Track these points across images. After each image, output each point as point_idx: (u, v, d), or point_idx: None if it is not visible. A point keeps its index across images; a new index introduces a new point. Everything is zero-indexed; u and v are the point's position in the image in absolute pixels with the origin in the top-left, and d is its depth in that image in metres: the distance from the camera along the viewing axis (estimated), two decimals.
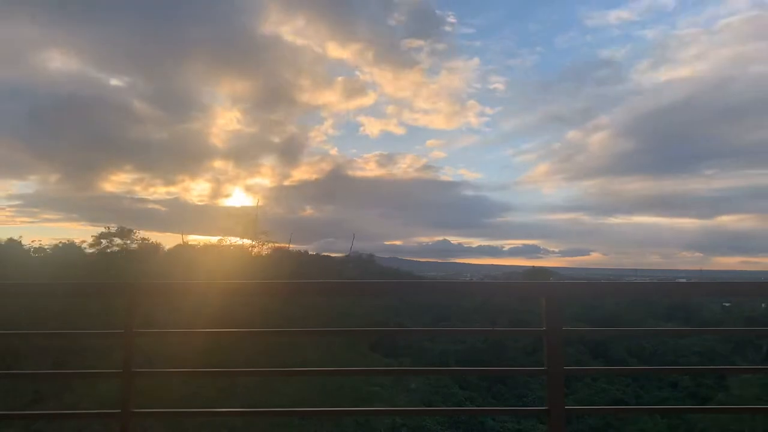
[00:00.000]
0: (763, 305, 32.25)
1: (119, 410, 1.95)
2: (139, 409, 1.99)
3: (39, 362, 9.06)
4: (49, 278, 14.27)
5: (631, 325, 28.31)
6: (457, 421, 14.70)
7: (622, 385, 22.15)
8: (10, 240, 22.96)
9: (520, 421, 16.56)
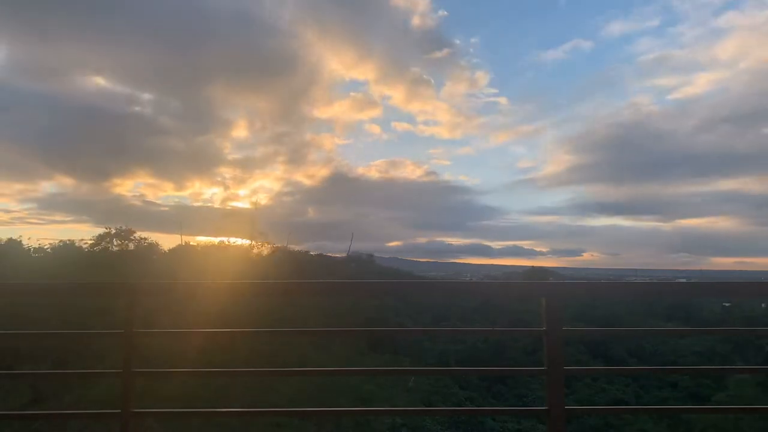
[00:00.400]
0: (763, 305, 32.23)
1: (119, 410, 1.95)
2: (139, 409, 1.99)
3: (39, 362, 9.06)
4: (49, 278, 14.27)
5: (631, 325, 28.31)
6: (457, 421, 14.69)
7: (622, 385, 22.15)
8: (10, 240, 22.95)
9: (520, 421, 16.55)
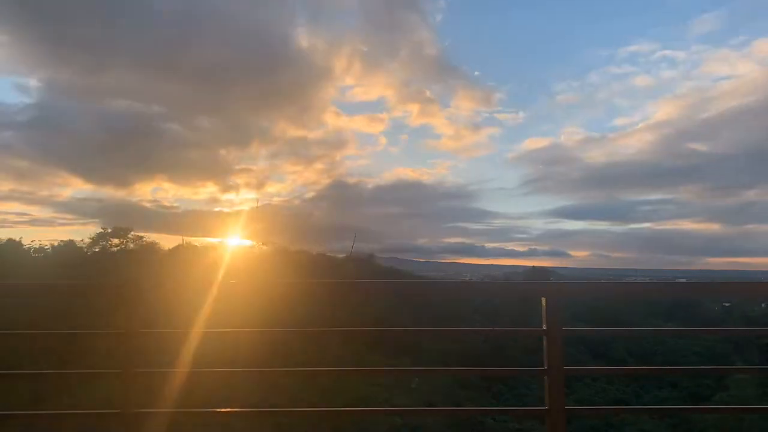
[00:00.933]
0: (763, 305, 32.23)
1: (119, 410, 1.95)
2: (139, 409, 1.99)
3: (39, 362, 9.06)
4: (49, 278, 14.28)
5: (631, 325, 28.29)
6: (457, 421, 14.68)
7: (622, 385, 22.13)
8: (10, 240, 22.96)
9: (520, 421, 16.54)
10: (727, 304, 36.07)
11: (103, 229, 24.19)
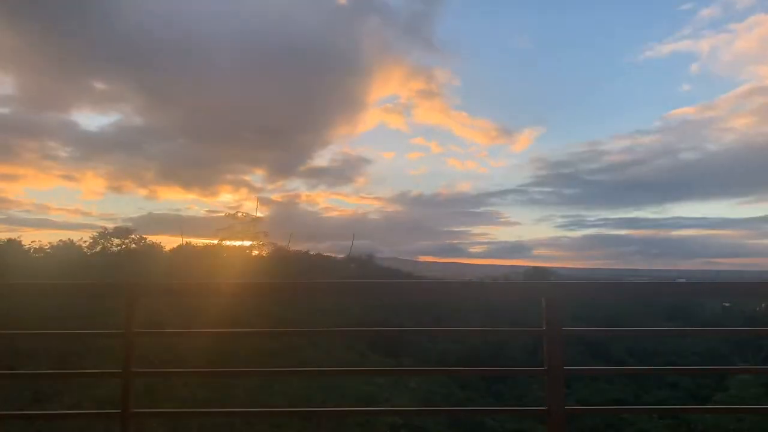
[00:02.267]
0: (763, 305, 32.21)
1: (119, 410, 1.95)
2: (139, 409, 1.99)
3: (39, 362, 9.05)
4: (49, 278, 14.28)
5: (631, 325, 28.23)
6: (457, 421, 14.65)
7: (622, 385, 22.09)
8: (10, 240, 22.91)
9: (521, 421, 16.51)
10: (727, 304, 36.02)
11: (105, 228, 24.17)
